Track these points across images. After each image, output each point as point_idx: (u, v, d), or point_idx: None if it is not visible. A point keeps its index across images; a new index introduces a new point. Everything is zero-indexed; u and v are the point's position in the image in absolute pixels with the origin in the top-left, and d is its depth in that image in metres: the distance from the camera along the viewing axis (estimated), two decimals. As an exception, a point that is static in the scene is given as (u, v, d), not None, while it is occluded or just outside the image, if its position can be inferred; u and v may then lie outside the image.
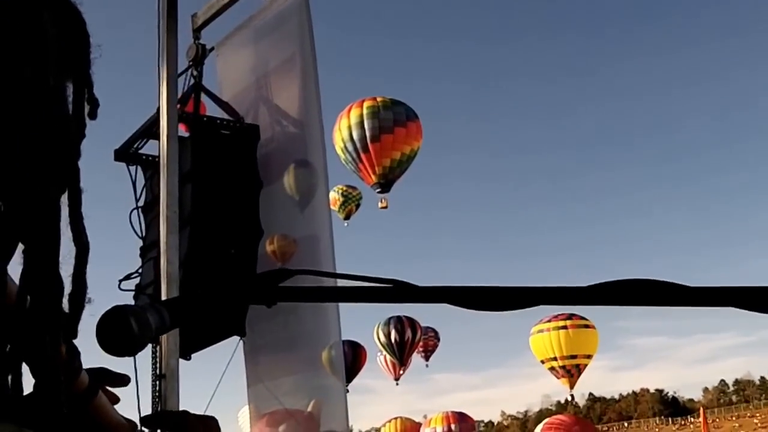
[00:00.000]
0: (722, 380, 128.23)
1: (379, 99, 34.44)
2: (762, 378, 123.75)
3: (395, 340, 67.30)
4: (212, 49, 6.67)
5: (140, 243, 5.93)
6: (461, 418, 75.42)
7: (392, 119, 33.65)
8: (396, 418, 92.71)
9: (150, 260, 5.65)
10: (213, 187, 5.68)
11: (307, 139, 5.85)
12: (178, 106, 5.78)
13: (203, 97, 6.29)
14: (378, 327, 69.34)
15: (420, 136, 35.80)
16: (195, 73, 6.25)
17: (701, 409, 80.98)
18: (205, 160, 5.71)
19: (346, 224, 61.45)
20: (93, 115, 1.21)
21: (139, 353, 0.90)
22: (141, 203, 6.01)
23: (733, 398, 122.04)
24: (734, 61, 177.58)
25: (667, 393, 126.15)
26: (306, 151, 5.85)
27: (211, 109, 6.39)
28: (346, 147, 33.83)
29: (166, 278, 4.74)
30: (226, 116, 6.07)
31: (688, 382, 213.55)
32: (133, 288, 5.78)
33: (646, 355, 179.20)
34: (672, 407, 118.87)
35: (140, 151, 6.15)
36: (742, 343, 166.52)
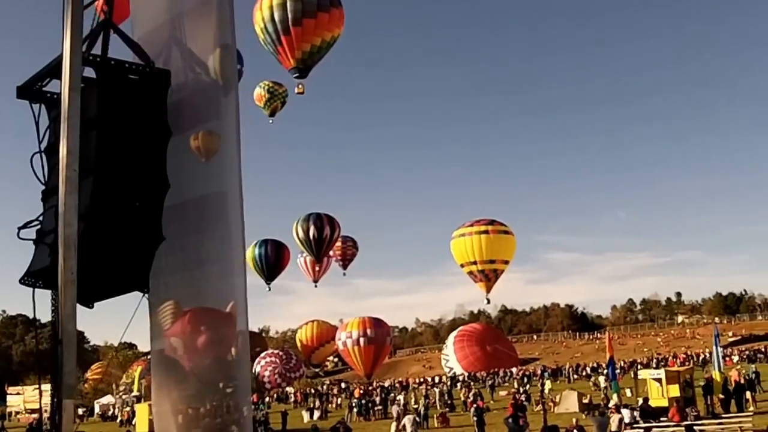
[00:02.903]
0: (630, 299, 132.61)
1: None
2: (668, 299, 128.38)
3: (314, 236, 67.49)
4: (126, -19, 6.37)
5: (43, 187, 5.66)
6: (377, 323, 76.73)
7: (316, 3, 32.86)
8: (312, 321, 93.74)
9: (52, 207, 5.38)
10: (119, 135, 5.42)
11: (221, 90, 5.63)
12: (86, 45, 5.51)
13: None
14: (297, 223, 69.38)
15: (342, 24, 35.04)
16: (105, 8, 5.94)
17: (607, 330, 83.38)
18: (112, 106, 5.43)
19: (270, 121, 60.74)
20: None
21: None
22: (44, 144, 5.72)
23: (640, 317, 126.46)
24: None
25: (577, 309, 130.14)
26: (219, 103, 5.64)
27: (119, 48, 6.09)
28: (266, 28, 32.92)
29: (64, 241, 4.54)
30: (135, 59, 5.81)
31: (597, 299, 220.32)
32: (33, 236, 5.53)
33: (560, 270, 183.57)
34: (580, 322, 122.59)
35: (45, 89, 5.81)
36: (653, 264, 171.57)
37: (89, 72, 5.50)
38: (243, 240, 5.41)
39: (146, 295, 5.55)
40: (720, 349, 33.58)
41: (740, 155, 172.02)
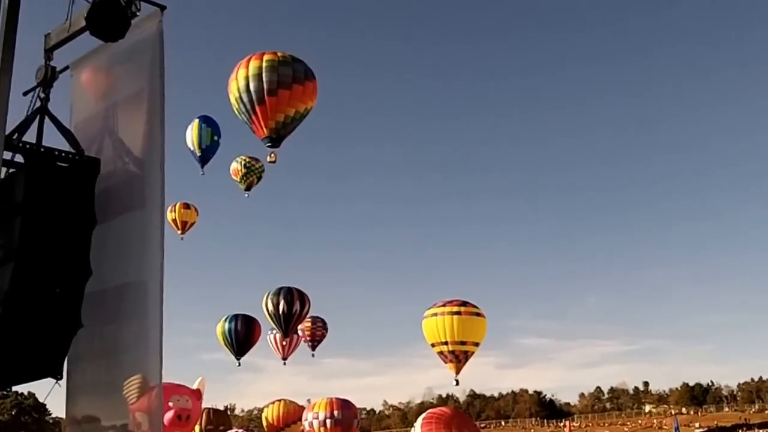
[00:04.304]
0: (598, 387, 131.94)
1: (279, 54, 34.32)
2: (635, 388, 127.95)
3: (283, 310, 66.64)
4: (67, 67, 6.53)
5: None
6: (345, 405, 75.39)
7: (291, 75, 33.54)
8: (279, 401, 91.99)
9: None
10: (44, 222, 5.52)
11: (145, 181, 5.74)
12: (16, 135, 5.63)
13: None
14: (267, 296, 68.79)
15: (314, 96, 35.80)
16: (42, 95, 6.09)
17: (569, 419, 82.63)
18: (38, 193, 5.54)
19: (246, 195, 60.76)
20: None
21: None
22: None
23: (607, 405, 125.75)
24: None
25: (545, 395, 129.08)
26: (143, 193, 5.74)
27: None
28: (241, 97, 33.54)
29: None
30: (67, 146, 5.93)
31: (567, 386, 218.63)
32: None
33: (530, 355, 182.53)
34: (549, 409, 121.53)
35: None
36: (623, 352, 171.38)
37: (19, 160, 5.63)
38: (161, 330, 5.44)
39: (58, 382, 5.56)
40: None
41: (707, 243, 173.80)
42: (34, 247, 5.43)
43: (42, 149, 5.73)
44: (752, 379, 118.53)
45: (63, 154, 5.79)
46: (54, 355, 5.49)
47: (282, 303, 69.25)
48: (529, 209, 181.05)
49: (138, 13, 5.63)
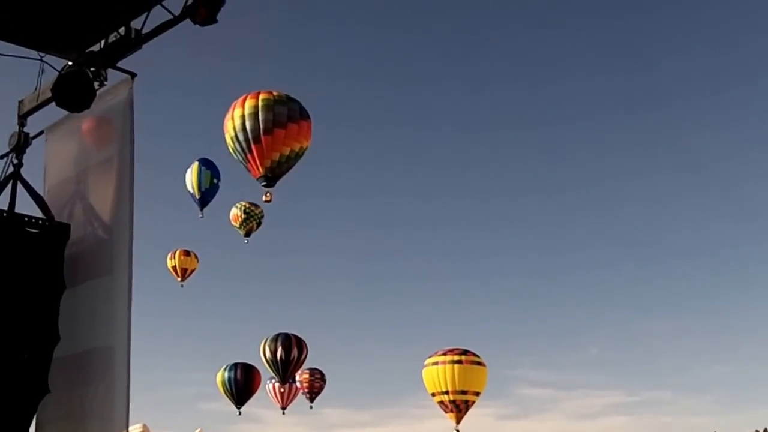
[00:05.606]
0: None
1: (275, 93, 34.58)
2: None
3: (281, 357, 65.92)
4: (42, 132, 6.61)
5: None
6: (345, 456, 75.09)
7: (286, 114, 33.72)
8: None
9: None
10: (12, 288, 5.57)
11: (114, 248, 5.78)
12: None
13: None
14: (265, 342, 68.22)
15: (309, 136, 35.93)
16: (15, 161, 6.17)
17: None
18: (7, 259, 5.60)
19: (246, 241, 60.38)
20: None
21: None
22: None
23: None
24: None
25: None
26: (112, 259, 5.78)
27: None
28: (237, 136, 33.70)
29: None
30: (38, 211, 5.99)
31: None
32: None
33: (532, 406, 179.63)
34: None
35: None
36: (625, 402, 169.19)
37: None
38: (127, 395, 5.44)
39: None
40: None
41: (710, 294, 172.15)
42: (3, 314, 5.47)
43: (12, 216, 5.79)
44: (757, 431, 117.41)
45: (33, 220, 5.85)
46: (20, 421, 5.50)
47: (280, 349, 68.62)
48: (530, 261, 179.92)
49: (106, 83, 5.73)
